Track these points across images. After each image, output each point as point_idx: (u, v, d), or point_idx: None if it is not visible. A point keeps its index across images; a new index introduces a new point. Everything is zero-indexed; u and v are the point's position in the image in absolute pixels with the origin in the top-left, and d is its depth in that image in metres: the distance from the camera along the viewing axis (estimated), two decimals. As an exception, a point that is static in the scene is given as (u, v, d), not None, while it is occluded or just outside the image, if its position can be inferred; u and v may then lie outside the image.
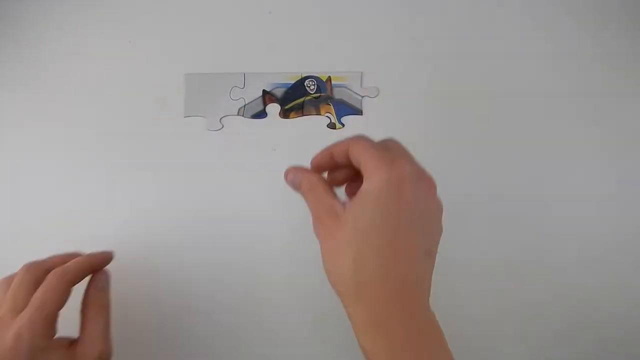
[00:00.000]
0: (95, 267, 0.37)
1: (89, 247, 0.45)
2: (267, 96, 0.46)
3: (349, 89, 0.46)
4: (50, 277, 0.34)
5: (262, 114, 0.46)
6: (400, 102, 0.45)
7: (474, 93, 0.45)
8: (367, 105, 0.46)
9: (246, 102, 0.46)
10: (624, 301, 0.44)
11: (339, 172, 0.35)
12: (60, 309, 0.34)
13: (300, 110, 0.46)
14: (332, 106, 0.46)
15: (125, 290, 0.46)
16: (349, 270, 0.29)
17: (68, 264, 0.36)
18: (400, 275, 0.29)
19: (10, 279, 0.35)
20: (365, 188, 0.30)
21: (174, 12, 0.47)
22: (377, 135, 0.45)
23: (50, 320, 0.33)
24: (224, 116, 0.46)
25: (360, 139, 0.33)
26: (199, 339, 0.45)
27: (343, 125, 0.46)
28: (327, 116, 0.46)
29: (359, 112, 0.46)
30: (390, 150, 0.32)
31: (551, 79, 0.46)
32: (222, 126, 0.46)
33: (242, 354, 0.45)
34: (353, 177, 0.34)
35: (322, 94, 0.46)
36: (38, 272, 0.35)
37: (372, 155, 0.31)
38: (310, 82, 0.46)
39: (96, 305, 0.36)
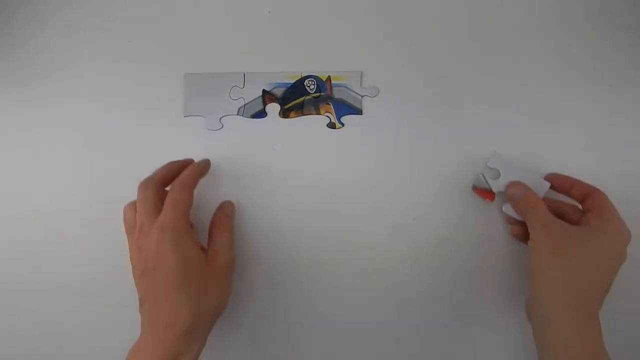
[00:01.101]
0: (203, 171, 0.44)
1: (90, 247, 0.46)
2: (267, 96, 0.46)
3: (348, 88, 0.46)
4: (175, 186, 0.40)
5: (261, 114, 0.46)
6: (400, 101, 0.45)
7: (475, 92, 0.45)
8: (367, 105, 0.46)
9: (246, 102, 0.46)
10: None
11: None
12: (189, 209, 0.40)
13: (300, 109, 0.46)
14: (331, 106, 0.46)
15: (124, 288, 0.46)
16: (573, 270, 0.38)
17: (182, 174, 0.41)
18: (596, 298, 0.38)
19: (133, 202, 0.41)
20: (607, 228, 0.39)
21: (174, 12, 0.47)
22: (377, 135, 0.45)
23: (185, 217, 0.39)
24: (223, 116, 0.46)
25: (604, 195, 0.41)
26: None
27: (343, 124, 0.46)
28: (327, 116, 0.46)
29: (358, 111, 0.46)
30: (617, 213, 0.40)
31: (554, 82, 0.46)
32: (222, 126, 0.46)
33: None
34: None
35: (321, 94, 0.46)
36: (154, 185, 0.40)
37: (614, 210, 0.40)
38: (310, 82, 0.46)
39: (222, 224, 0.43)
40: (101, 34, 0.47)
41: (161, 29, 0.47)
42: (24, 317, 0.46)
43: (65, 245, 0.46)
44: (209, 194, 0.45)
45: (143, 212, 0.39)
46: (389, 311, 0.45)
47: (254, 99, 0.46)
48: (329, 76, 0.46)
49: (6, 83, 0.47)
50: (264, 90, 0.46)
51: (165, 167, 0.42)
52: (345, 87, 0.46)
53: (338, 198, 0.45)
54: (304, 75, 0.46)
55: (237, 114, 0.46)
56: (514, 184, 0.42)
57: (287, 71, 0.46)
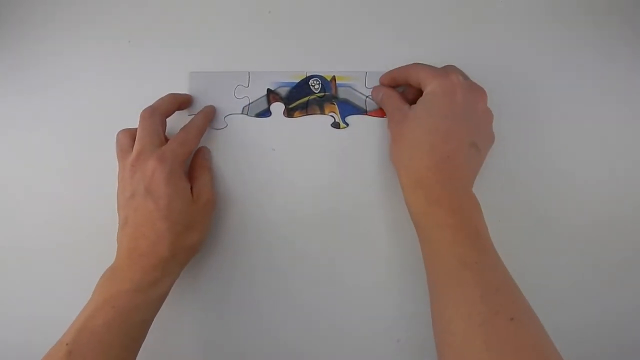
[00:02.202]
0: (211, 118, 0.45)
1: (93, 246, 0.46)
2: (272, 95, 0.46)
3: (353, 88, 0.46)
4: (190, 128, 0.42)
5: (266, 113, 0.46)
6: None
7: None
8: (371, 105, 0.46)
9: (250, 101, 0.46)
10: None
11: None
12: (192, 153, 0.42)
13: (305, 109, 0.46)
14: (336, 105, 0.46)
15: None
16: (406, 148, 0.39)
17: (197, 119, 0.43)
18: (444, 153, 0.37)
19: (129, 130, 0.42)
20: (426, 92, 0.40)
21: (180, 10, 0.47)
22: (382, 136, 0.45)
23: (186, 157, 0.41)
24: (228, 115, 0.46)
25: (417, 63, 0.43)
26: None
27: (347, 124, 0.46)
28: (332, 115, 0.46)
29: (363, 111, 0.46)
30: (445, 68, 0.41)
31: (554, 82, 0.46)
32: (227, 125, 0.46)
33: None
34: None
35: (326, 93, 0.46)
36: (159, 116, 0.41)
37: (429, 70, 0.40)
38: (315, 82, 0.46)
39: (203, 166, 0.44)
40: (105, 32, 0.47)
41: (167, 27, 0.47)
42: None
43: (68, 247, 0.46)
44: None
45: (147, 139, 0.39)
46: (388, 311, 0.45)
47: (259, 98, 0.46)
48: (334, 76, 0.46)
49: (7, 84, 0.47)
50: (268, 90, 0.46)
51: (166, 99, 0.43)
52: (350, 87, 0.46)
53: (341, 197, 0.45)
54: (308, 74, 0.46)
55: (242, 113, 0.46)
56: (373, 90, 0.45)
57: (291, 71, 0.46)
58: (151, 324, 0.39)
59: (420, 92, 0.41)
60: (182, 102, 0.44)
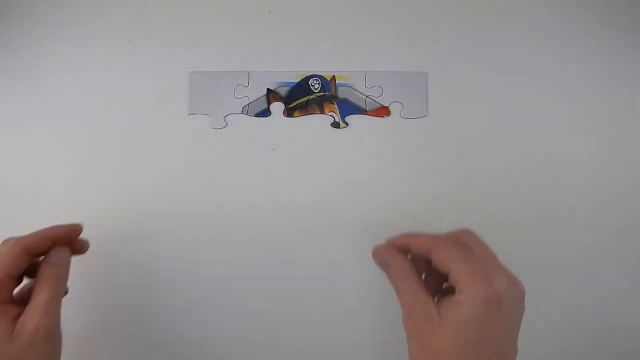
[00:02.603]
0: (57, 238, 0.36)
1: (93, 245, 0.46)
2: (272, 95, 0.46)
3: (353, 88, 0.46)
4: (4, 244, 0.34)
5: (266, 113, 0.46)
6: (405, 101, 0.46)
7: (477, 92, 0.46)
8: (371, 105, 0.46)
9: (250, 101, 0.46)
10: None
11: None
12: (13, 277, 0.33)
13: (305, 109, 0.46)
14: (336, 105, 0.46)
15: (125, 288, 0.46)
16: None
17: (27, 234, 0.35)
18: None
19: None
20: (463, 301, 0.31)
21: (180, 10, 0.47)
22: (382, 136, 0.45)
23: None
24: (228, 114, 0.46)
25: (444, 242, 0.33)
26: (190, 338, 0.45)
27: (347, 124, 0.46)
28: (332, 115, 0.46)
29: (363, 111, 0.46)
30: (476, 255, 0.32)
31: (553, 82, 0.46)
32: (227, 124, 0.46)
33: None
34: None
35: (326, 93, 0.46)
36: (11, 247, 0.34)
37: (463, 267, 0.31)
38: (315, 81, 0.46)
39: (45, 278, 0.34)
40: (105, 31, 0.47)
41: (167, 27, 0.47)
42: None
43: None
44: (212, 194, 0.45)
45: None
46: (388, 311, 0.45)
47: (259, 98, 0.46)
48: (334, 76, 0.46)
49: (6, 84, 0.47)
50: (268, 90, 0.46)
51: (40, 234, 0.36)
52: (350, 87, 0.46)
53: (341, 197, 0.45)
54: (308, 74, 0.46)
55: (242, 113, 0.46)
56: (378, 253, 0.37)
57: (291, 70, 0.46)
58: None
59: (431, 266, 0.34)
60: (49, 243, 0.35)
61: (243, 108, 0.46)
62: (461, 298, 0.31)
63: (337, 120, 0.46)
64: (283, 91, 0.46)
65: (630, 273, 0.45)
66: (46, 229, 0.36)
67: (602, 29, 0.46)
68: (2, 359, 0.30)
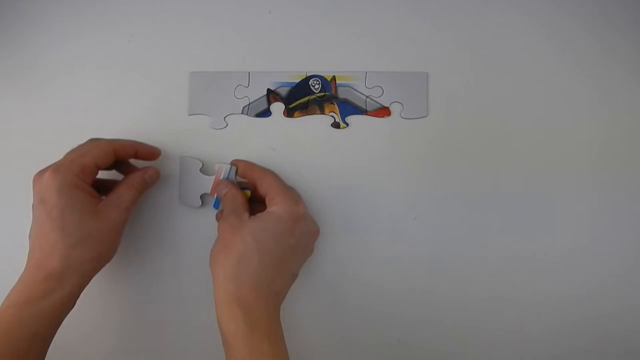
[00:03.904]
0: (140, 152, 0.42)
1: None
2: (272, 95, 0.46)
3: (353, 88, 0.46)
4: (96, 141, 0.40)
5: (266, 113, 0.46)
6: (406, 101, 0.46)
7: (477, 92, 0.46)
8: (371, 105, 0.46)
9: (250, 101, 0.46)
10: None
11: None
12: (99, 167, 0.39)
13: (305, 109, 0.46)
14: (336, 105, 0.46)
15: (124, 289, 0.46)
16: (234, 259, 0.37)
17: (119, 141, 0.41)
18: (270, 277, 0.38)
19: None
20: (271, 210, 0.40)
21: (180, 10, 0.47)
22: (382, 136, 0.45)
23: (86, 168, 0.38)
24: (228, 114, 0.46)
25: (272, 175, 0.43)
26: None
27: (347, 124, 0.46)
28: (332, 115, 0.46)
29: (363, 111, 0.46)
30: (293, 193, 0.42)
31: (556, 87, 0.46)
32: (227, 124, 0.46)
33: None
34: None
35: (326, 94, 0.46)
36: (99, 142, 0.40)
37: (281, 190, 0.41)
38: (315, 82, 0.46)
39: (135, 182, 0.41)
40: (105, 31, 0.47)
41: (167, 27, 0.47)
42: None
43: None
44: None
45: (75, 151, 0.39)
46: (388, 311, 0.46)
47: (259, 98, 0.46)
48: (334, 76, 0.46)
49: (7, 85, 0.47)
50: (268, 90, 0.46)
51: (124, 143, 0.42)
52: (350, 87, 0.46)
53: (340, 197, 0.46)
54: (308, 74, 0.46)
55: (242, 113, 0.46)
56: (220, 183, 0.43)
57: (291, 71, 0.46)
58: (49, 337, 0.37)
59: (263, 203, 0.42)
60: (134, 152, 0.42)
61: (243, 108, 0.46)
62: (271, 209, 0.40)
63: (337, 120, 0.46)
64: (283, 91, 0.46)
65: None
66: (133, 142, 0.42)
67: (603, 29, 0.46)
68: (87, 226, 0.37)
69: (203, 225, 0.45)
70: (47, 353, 0.38)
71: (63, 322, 0.38)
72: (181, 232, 0.46)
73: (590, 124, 0.45)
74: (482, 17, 0.46)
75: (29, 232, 0.39)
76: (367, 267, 0.46)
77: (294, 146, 0.46)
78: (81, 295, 0.39)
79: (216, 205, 0.44)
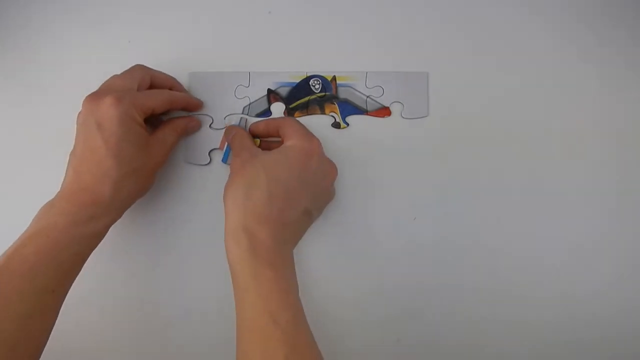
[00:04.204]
0: (190, 106, 0.44)
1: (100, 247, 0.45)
2: (272, 95, 0.46)
3: (353, 88, 0.46)
4: (160, 92, 0.41)
5: (266, 113, 0.46)
6: (405, 101, 0.46)
7: (477, 91, 0.46)
8: (372, 105, 0.46)
9: (251, 101, 0.46)
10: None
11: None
12: (154, 112, 0.40)
13: (305, 109, 0.46)
14: (336, 105, 0.46)
15: (123, 290, 0.46)
16: (245, 187, 0.38)
17: (175, 94, 0.43)
18: (278, 208, 0.38)
19: (116, 76, 0.41)
20: (285, 144, 0.41)
21: (180, 10, 0.47)
22: (383, 135, 0.45)
23: (146, 108, 0.39)
24: (228, 115, 0.46)
25: (291, 119, 0.44)
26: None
27: (348, 124, 0.46)
28: (332, 115, 0.46)
29: (363, 111, 0.46)
30: (310, 133, 0.42)
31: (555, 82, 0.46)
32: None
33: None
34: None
35: (326, 93, 0.46)
36: (146, 72, 0.42)
37: (298, 128, 0.42)
38: (315, 82, 0.46)
39: (173, 126, 0.43)
40: (105, 33, 0.47)
41: (165, 28, 0.47)
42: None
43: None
44: (213, 193, 0.45)
45: (117, 82, 0.39)
46: (388, 311, 0.46)
47: (259, 98, 0.46)
48: (334, 76, 0.46)
49: (6, 84, 0.47)
50: (269, 90, 0.46)
51: (167, 75, 0.44)
52: (351, 87, 0.46)
53: (340, 197, 0.45)
54: (309, 74, 0.46)
55: (242, 113, 0.46)
56: (226, 129, 0.45)
57: (292, 71, 0.46)
58: (86, 259, 0.39)
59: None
60: (184, 105, 0.44)
61: (244, 108, 0.46)
62: (285, 144, 0.41)
63: (337, 120, 0.46)
64: (283, 91, 0.46)
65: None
66: (185, 95, 0.45)
67: (605, 29, 0.46)
68: (139, 158, 0.39)
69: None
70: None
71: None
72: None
73: (593, 124, 0.46)
74: (483, 17, 0.46)
75: (72, 152, 0.39)
76: (368, 266, 0.46)
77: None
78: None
79: (225, 159, 0.45)
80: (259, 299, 0.35)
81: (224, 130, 0.46)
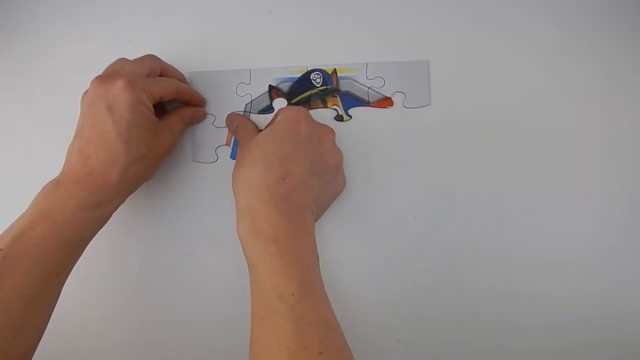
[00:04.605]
0: (193, 100, 0.45)
1: (93, 243, 0.45)
2: (274, 91, 0.46)
3: (354, 80, 0.46)
4: (169, 80, 0.42)
5: (269, 109, 0.46)
6: (407, 93, 0.46)
7: (478, 79, 0.46)
8: (374, 96, 0.46)
9: (253, 98, 0.46)
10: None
11: None
12: (164, 98, 0.41)
13: (307, 103, 0.46)
14: (338, 98, 0.46)
15: (131, 289, 0.46)
16: (244, 170, 0.38)
17: (183, 85, 0.43)
18: (280, 174, 0.37)
19: (125, 60, 0.40)
20: (274, 120, 0.42)
21: (180, 10, 0.47)
22: (386, 127, 0.45)
23: (155, 95, 0.39)
24: (231, 113, 0.46)
25: (284, 107, 0.45)
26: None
27: (350, 117, 0.46)
28: (334, 108, 0.46)
29: (365, 102, 0.46)
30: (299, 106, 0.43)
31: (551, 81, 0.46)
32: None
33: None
34: None
35: (328, 87, 0.46)
36: (157, 63, 0.42)
37: (286, 107, 0.43)
38: (316, 75, 0.46)
39: (181, 115, 0.43)
40: (105, 32, 0.47)
41: (164, 29, 0.47)
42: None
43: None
44: (215, 192, 0.46)
45: (127, 67, 0.39)
46: (388, 311, 0.45)
47: (261, 95, 0.46)
48: (335, 69, 0.46)
49: (6, 84, 0.47)
50: (270, 86, 0.46)
51: (175, 69, 0.44)
52: (352, 79, 0.46)
53: (345, 190, 0.45)
54: (309, 69, 0.46)
55: (245, 111, 0.46)
56: (228, 118, 0.45)
57: (292, 65, 0.46)
58: (89, 242, 0.39)
59: None
60: (189, 98, 0.44)
61: (246, 105, 0.46)
62: (275, 119, 0.41)
63: (340, 113, 0.46)
64: (285, 87, 0.46)
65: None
66: (191, 89, 0.45)
67: (608, 16, 0.45)
68: (147, 144, 0.39)
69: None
70: (67, 290, 0.38)
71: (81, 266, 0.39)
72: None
73: (599, 116, 0.45)
74: (482, 4, 0.46)
75: (77, 132, 0.39)
76: (369, 265, 0.45)
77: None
78: (90, 248, 0.39)
79: (233, 156, 0.45)
80: (264, 275, 0.34)
81: (226, 128, 0.46)
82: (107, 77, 0.38)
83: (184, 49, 0.46)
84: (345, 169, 0.45)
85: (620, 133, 0.45)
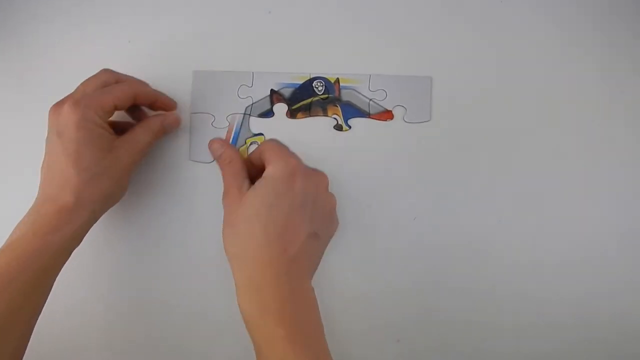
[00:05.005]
0: (159, 103, 0.43)
1: (93, 242, 0.46)
2: (275, 95, 0.46)
3: (356, 91, 0.46)
4: (120, 84, 0.40)
5: (269, 113, 0.46)
6: (407, 104, 0.46)
7: (480, 97, 0.46)
8: (374, 108, 0.46)
9: (254, 101, 0.46)
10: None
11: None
12: (117, 108, 0.39)
13: (308, 110, 0.46)
14: (339, 108, 0.46)
15: (126, 291, 0.46)
16: (240, 239, 0.37)
17: (138, 83, 0.42)
18: (281, 246, 0.36)
19: (84, 81, 0.40)
20: (265, 174, 0.39)
21: (183, 9, 0.47)
22: (385, 139, 0.45)
23: (106, 106, 0.38)
24: (231, 114, 0.46)
25: (271, 141, 0.44)
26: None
27: (350, 127, 0.46)
28: (334, 117, 0.46)
29: (366, 114, 0.46)
30: (286, 149, 0.42)
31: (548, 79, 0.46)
32: (229, 124, 0.46)
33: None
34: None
35: (329, 95, 0.46)
36: (111, 75, 0.40)
37: (274, 150, 0.41)
38: (319, 83, 0.46)
39: (153, 126, 0.42)
40: (105, 32, 0.47)
41: (170, 25, 0.46)
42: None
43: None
44: (214, 193, 0.45)
45: (80, 87, 0.39)
46: (388, 311, 0.46)
47: (262, 99, 0.46)
48: (338, 78, 0.46)
49: (6, 84, 0.47)
50: (272, 90, 0.46)
51: (135, 79, 0.43)
52: (354, 89, 0.46)
53: (341, 199, 0.45)
54: (312, 76, 0.46)
55: (245, 113, 0.46)
56: (213, 143, 0.44)
57: (295, 72, 0.46)
58: (56, 273, 0.38)
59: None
60: (153, 101, 0.42)
61: (246, 108, 0.46)
62: (266, 172, 0.39)
63: (339, 122, 0.46)
64: (286, 92, 0.46)
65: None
66: (154, 91, 0.43)
67: (610, 28, 0.46)
68: (102, 161, 0.38)
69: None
70: (54, 295, 0.38)
71: (70, 270, 0.39)
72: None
73: (597, 127, 0.45)
74: (487, 22, 0.46)
75: (41, 164, 0.39)
76: (368, 267, 0.46)
77: (296, 148, 0.45)
78: (89, 248, 0.40)
79: None
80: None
81: (225, 129, 0.46)
82: (58, 103, 0.38)
83: (184, 49, 0.46)
84: (342, 178, 0.45)
85: (620, 133, 0.45)
